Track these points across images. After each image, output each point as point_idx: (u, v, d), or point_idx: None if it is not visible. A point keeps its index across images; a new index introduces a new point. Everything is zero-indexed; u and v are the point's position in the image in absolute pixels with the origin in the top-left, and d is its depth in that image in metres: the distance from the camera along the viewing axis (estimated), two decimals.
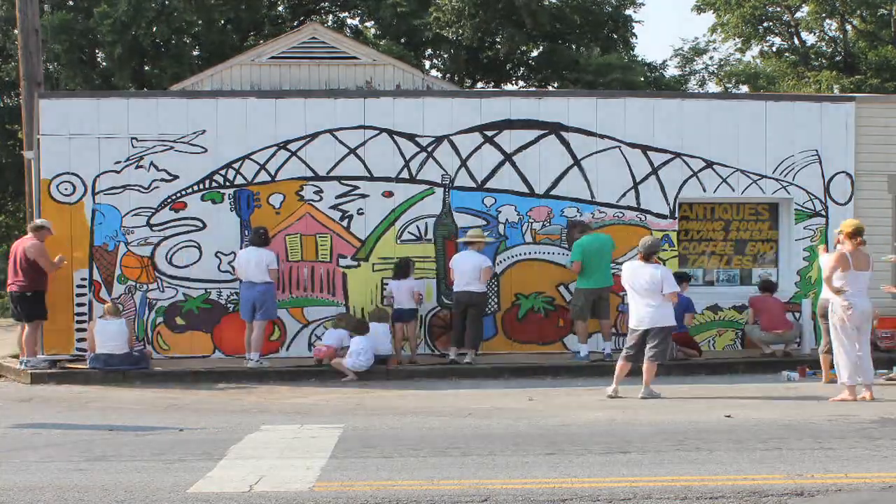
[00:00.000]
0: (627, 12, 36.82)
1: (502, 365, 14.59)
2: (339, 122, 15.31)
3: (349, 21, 38.92)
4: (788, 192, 15.91)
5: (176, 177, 15.14)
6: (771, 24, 40.93)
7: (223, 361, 15.03)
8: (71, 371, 14.54)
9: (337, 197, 15.31)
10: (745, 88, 41.71)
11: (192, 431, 10.35)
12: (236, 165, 15.21)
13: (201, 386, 13.81)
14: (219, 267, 15.18)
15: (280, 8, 38.26)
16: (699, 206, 16.15)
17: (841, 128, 15.92)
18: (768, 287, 15.47)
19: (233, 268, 14.92)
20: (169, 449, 9.36)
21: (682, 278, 14.41)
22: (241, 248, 14.96)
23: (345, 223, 15.33)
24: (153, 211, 15.12)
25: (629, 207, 15.62)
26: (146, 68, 32.60)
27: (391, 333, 14.60)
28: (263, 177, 15.22)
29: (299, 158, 15.25)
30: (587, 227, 14.95)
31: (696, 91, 41.11)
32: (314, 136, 15.27)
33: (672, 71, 42.62)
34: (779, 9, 40.12)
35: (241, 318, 14.70)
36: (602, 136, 15.58)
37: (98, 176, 15.03)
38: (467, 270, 14.47)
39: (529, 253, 15.39)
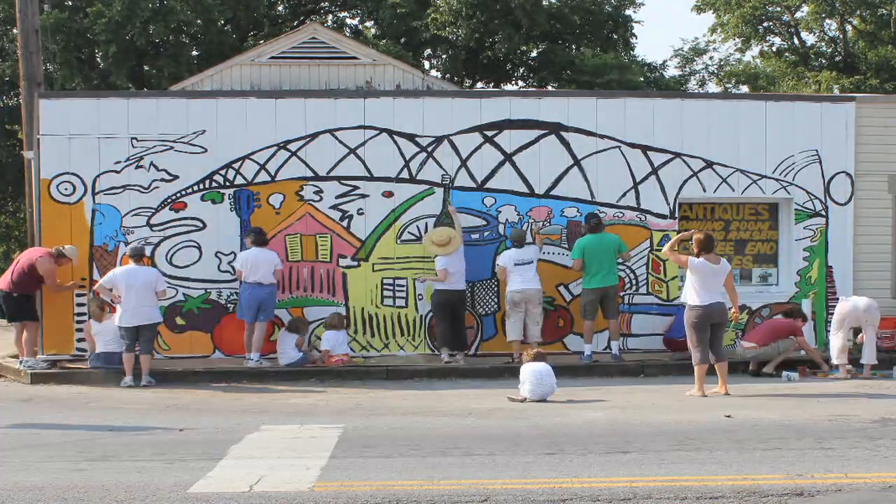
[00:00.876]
0: (627, 12, 36.81)
1: (502, 365, 14.59)
2: (339, 122, 15.31)
3: (349, 21, 38.93)
4: (788, 192, 15.90)
5: (176, 177, 15.13)
6: (771, 24, 40.92)
7: (223, 361, 15.03)
8: (71, 371, 14.54)
9: (337, 197, 15.31)
10: (745, 88, 41.69)
11: (192, 431, 10.34)
12: (236, 165, 15.21)
13: (201, 386, 13.81)
14: (219, 267, 15.17)
15: (280, 8, 38.26)
16: (699, 206, 16.14)
17: (841, 128, 15.92)
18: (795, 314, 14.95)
19: (233, 268, 14.91)
20: (169, 449, 9.35)
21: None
22: (240, 248, 14.95)
23: (345, 223, 15.33)
24: (153, 211, 15.12)
25: (629, 207, 15.62)
26: (145, 68, 32.58)
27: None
28: (263, 177, 15.22)
29: (299, 158, 15.25)
30: (598, 226, 14.92)
31: (696, 91, 41.11)
32: (314, 136, 15.27)
33: (672, 71, 42.63)
34: (779, 9, 40.11)
35: (242, 318, 14.64)
36: (602, 136, 15.58)
37: (98, 176, 15.03)
38: (461, 269, 14.64)
39: None
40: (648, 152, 15.66)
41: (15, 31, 25.91)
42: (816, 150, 15.90)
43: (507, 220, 15.45)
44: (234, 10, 33.03)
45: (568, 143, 15.53)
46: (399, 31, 35.18)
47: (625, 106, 15.77)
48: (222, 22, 33.87)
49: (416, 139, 15.38)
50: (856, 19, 39.11)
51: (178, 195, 15.15)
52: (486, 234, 15.16)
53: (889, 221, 16.11)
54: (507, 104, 15.60)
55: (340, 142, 15.30)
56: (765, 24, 40.62)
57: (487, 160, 15.45)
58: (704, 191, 15.81)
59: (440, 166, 15.40)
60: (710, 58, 48.72)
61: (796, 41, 41.30)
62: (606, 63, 32.34)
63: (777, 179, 15.86)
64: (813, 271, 15.79)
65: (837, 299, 14.76)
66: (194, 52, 33.58)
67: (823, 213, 15.92)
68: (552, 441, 9.44)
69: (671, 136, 15.67)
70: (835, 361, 14.05)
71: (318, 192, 15.28)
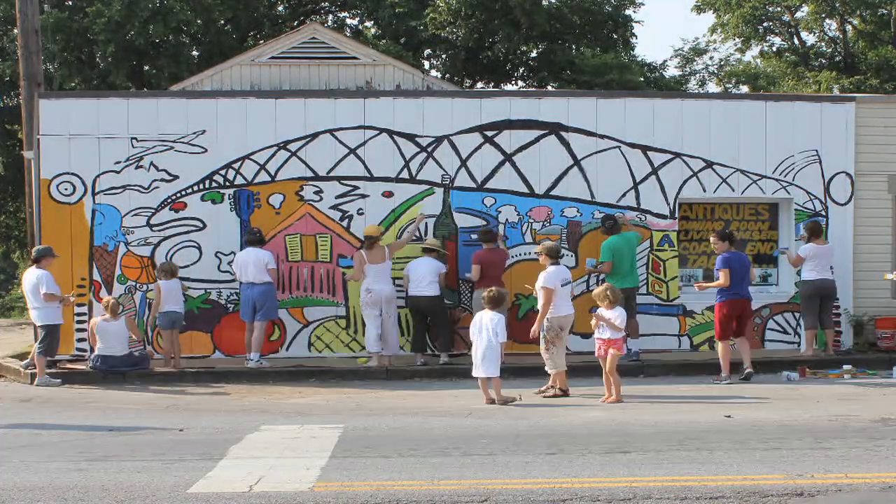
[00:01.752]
0: (627, 12, 36.78)
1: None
2: (339, 122, 15.32)
3: (349, 21, 38.88)
4: (788, 192, 15.90)
5: (176, 177, 15.14)
6: (771, 24, 40.89)
7: (223, 361, 15.03)
8: (71, 371, 14.54)
9: (337, 197, 15.32)
10: (745, 88, 41.67)
11: (192, 431, 10.35)
12: (236, 165, 15.21)
13: (201, 386, 13.82)
14: (219, 267, 15.18)
15: (280, 8, 38.22)
16: (699, 206, 16.15)
17: (841, 128, 15.92)
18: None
19: (233, 269, 14.92)
20: (169, 449, 9.36)
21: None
22: (240, 248, 14.96)
23: (345, 223, 15.33)
24: (153, 211, 15.12)
25: (629, 207, 15.62)
26: (144, 68, 32.56)
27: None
28: (263, 177, 15.23)
29: (299, 158, 15.26)
30: (616, 226, 14.90)
31: (696, 91, 41.10)
32: (314, 136, 15.27)
33: (672, 71, 42.60)
34: (779, 9, 40.08)
35: (242, 318, 14.72)
36: (602, 136, 15.58)
37: (98, 176, 15.03)
38: (422, 275, 14.60)
39: (529, 253, 15.36)
40: (648, 152, 15.66)
41: (15, 31, 25.87)
42: (816, 151, 15.90)
43: (506, 220, 15.45)
44: (234, 10, 32.99)
45: (568, 143, 15.54)
46: (399, 31, 35.15)
47: (625, 106, 15.78)
48: (222, 22, 33.83)
49: (416, 139, 15.38)
50: (856, 19, 39.08)
51: (178, 195, 15.15)
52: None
53: (889, 221, 16.11)
54: (507, 104, 15.60)
55: (340, 142, 15.30)
56: (765, 25, 40.58)
57: (487, 160, 15.45)
58: (704, 191, 15.81)
59: (440, 166, 15.40)
60: (710, 58, 48.74)
61: (796, 41, 41.28)
62: (606, 63, 32.31)
63: (777, 179, 15.86)
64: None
65: (837, 298, 14.82)
66: (194, 52, 33.55)
67: (823, 213, 15.92)
68: (552, 441, 9.44)
69: (671, 136, 15.67)
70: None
71: (318, 192, 15.28)
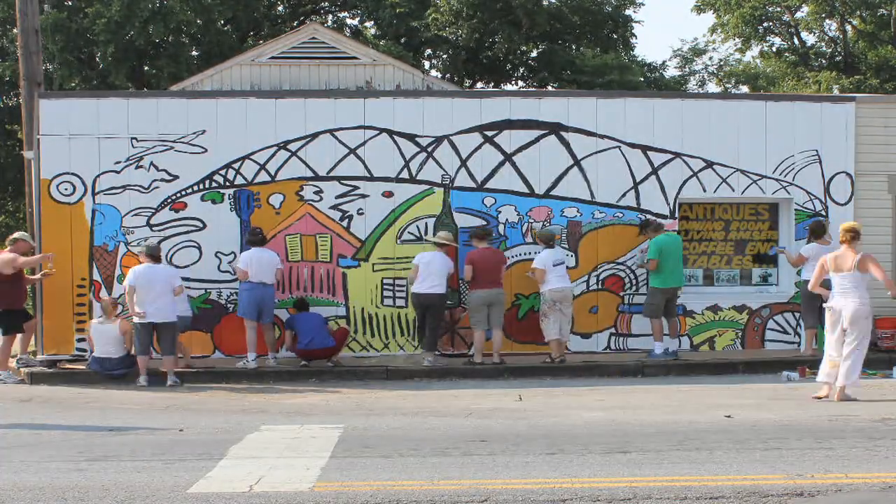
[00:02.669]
0: (627, 12, 36.81)
1: (502, 365, 14.59)
2: (339, 122, 15.31)
3: (349, 21, 38.91)
4: (788, 192, 15.90)
5: (176, 177, 15.13)
6: (771, 24, 40.94)
7: (223, 361, 15.03)
8: (71, 371, 14.54)
9: (337, 197, 15.31)
10: (745, 88, 41.72)
11: (191, 431, 10.34)
12: (236, 165, 15.21)
13: (201, 386, 13.82)
14: (219, 267, 15.17)
15: (280, 8, 38.25)
16: (699, 206, 16.15)
17: (841, 128, 15.92)
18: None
19: (233, 268, 14.90)
20: (169, 449, 9.36)
21: None
22: (241, 248, 14.95)
23: (345, 223, 15.33)
24: (153, 211, 15.12)
25: (629, 207, 15.62)
26: (144, 68, 32.58)
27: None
28: (263, 177, 15.22)
29: (299, 158, 15.25)
30: (661, 226, 15.02)
31: (696, 91, 41.12)
32: (314, 136, 15.27)
33: (672, 71, 42.64)
34: (779, 9, 40.12)
35: (244, 316, 14.55)
36: (602, 136, 15.58)
37: (98, 176, 15.03)
38: (434, 271, 14.47)
39: (529, 253, 15.35)
40: (648, 152, 15.66)
41: (15, 31, 25.89)
42: (816, 150, 15.90)
43: (507, 220, 15.45)
44: (234, 10, 33.01)
45: (568, 143, 15.54)
46: (399, 31, 35.17)
47: (625, 106, 15.78)
48: (222, 22, 33.84)
49: (416, 139, 15.38)
50: (856, 19, 39.12)
51: (178, 195, 15.15)
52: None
53: (889, 221, 16.11)
54: (507, 104, 15.60)
55: (340, 142, 15.30)
56: (765, 25, 40.64)
57: (487, 160, 15.45)
58: (704, 191, 15.81)
59: (440, 166, 15.40)
60: (710, 58, 48.80)
61: (796, 41, 41.32)
62: (606, 63, 32.34)
63: (777, 179, 15.86)
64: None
65: None
66: (194, 53, 33.56)
67: (823, 213, 15.92)
68: (552, 441, 9.44)
69: (671, 136, 15.67)
70: None
71: (318, 192, 15.28)
